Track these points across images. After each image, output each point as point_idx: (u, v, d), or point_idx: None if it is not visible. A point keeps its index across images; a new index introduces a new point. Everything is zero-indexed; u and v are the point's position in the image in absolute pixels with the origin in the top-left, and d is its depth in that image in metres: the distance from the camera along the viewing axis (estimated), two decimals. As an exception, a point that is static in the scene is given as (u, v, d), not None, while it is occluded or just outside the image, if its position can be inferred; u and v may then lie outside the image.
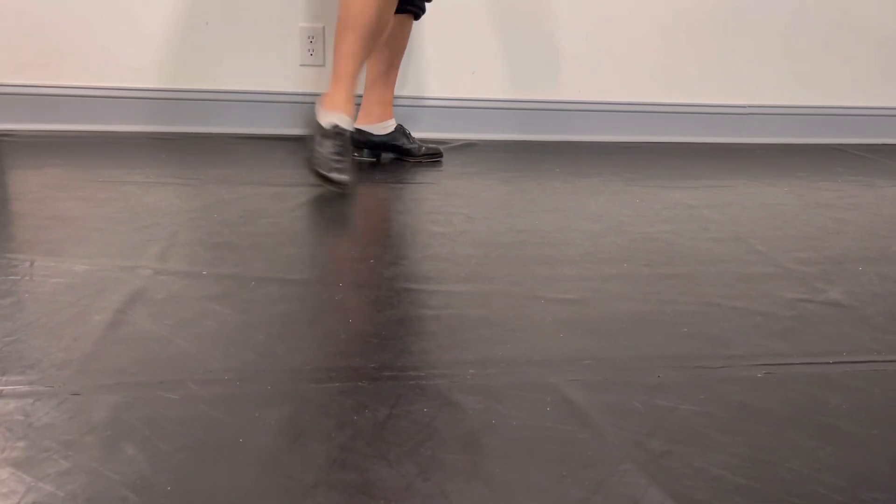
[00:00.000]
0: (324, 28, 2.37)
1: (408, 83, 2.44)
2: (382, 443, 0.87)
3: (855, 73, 2.70)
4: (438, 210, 1.74)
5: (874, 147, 2.69)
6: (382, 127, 2.11)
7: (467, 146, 2.41)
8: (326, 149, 1.76)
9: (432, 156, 2.18)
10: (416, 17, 2.06)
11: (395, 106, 2.24)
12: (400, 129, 2.14)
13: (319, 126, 1.77)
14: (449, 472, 0.83)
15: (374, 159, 2.14)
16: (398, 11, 2.00)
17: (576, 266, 1.44)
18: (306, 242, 1.48)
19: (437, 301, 1.25)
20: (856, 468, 0.87)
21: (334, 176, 1.75)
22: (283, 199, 1.74)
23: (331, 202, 1.75)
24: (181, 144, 2.23)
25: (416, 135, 2.23)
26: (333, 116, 1.78)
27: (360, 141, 2.11)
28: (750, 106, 2.65)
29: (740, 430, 0.93)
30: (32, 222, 1.52)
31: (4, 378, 0.96)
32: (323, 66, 2.39)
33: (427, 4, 2.06)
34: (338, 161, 1.76)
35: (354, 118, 1.88)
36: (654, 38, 2.54)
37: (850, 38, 2.66)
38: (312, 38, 2.37)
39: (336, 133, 1.77)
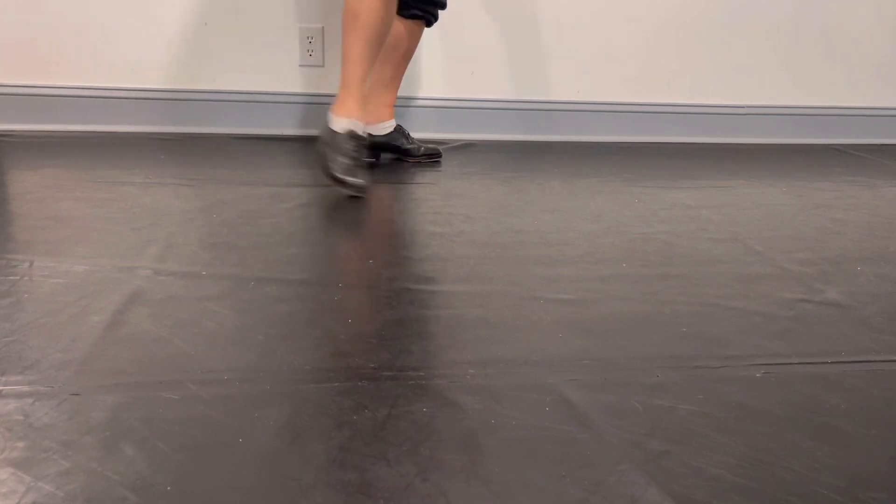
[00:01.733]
0: (322, 28, 2.37)
1: (407, 83, 2.44)
2: (381, 443, 0.87)
3: (853, 74, 2.70)
4: (437, 210, 1.74)
5: (873, 147, 2.69)
6: (382, 127, 2.11)
7: (466, 146, 2.41)
8: (342, 154, 1.77)
9: (431, 156, 2.18)
10: (429, 23, 2.06)
11: (394, 106, 2.24)
12: (399, 130, 2.14)
13: (333, 133, 1.78)
14: (448, 472, 0.83)
15: (374, 160, 2.14)
16: (410, 17, 2.00)
17: (574, 266, 1.44)
18: (305, 243, 1.48)
19: (435, 301, 1.25)
20: (854, 468, 0.87)
21: (351, 180, 1.76)
22: (283, 199, 1.74)
23: (330, 203, 1.75)
24: (180, 145, 2.23)
25: (415, 135, 2.23)
26: (347, 122, 1.80)
27: None
28: (748, 106, 2.65)
29: (739, 430, 0.93)
30: (31, 223, 1.52)
31: (4, 378, 0.96)
32: (322, 66, 2.39)
33: (440, 12, 2.06)
34: (354, 165, 1.78)
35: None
36: (652, 39, 2.54)
37: (848, 38, 2.66)
38: (311, 38, 2.37)
39: (351, 138, 1.79)
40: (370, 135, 2.10)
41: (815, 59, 2.66)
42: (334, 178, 1.76)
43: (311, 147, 2.25)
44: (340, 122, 1.79)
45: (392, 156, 2.16)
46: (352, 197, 1.77)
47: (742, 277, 1.42)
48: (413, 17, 2.01)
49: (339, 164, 1.76)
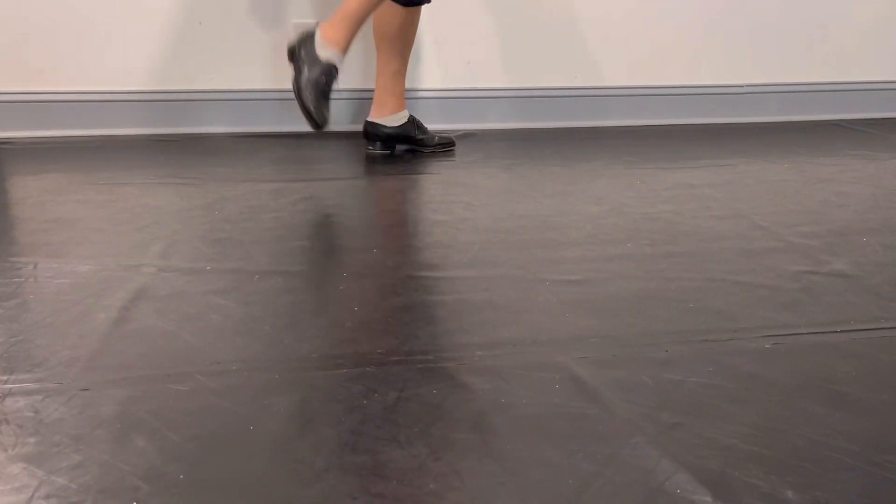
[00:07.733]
0: (318, 24, 2.36)
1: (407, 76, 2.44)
2: (392, 425, 0.87)
3: (851, 48, 2.69)
4: (439, 199, 1.73)
5: (874, 121, 2.68)
6: (395, 119, 2.11)
7: (466, 136, 2.40)
8: (316, 83, 1.77)
9: (445, 145, 2.19)
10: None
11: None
12: (412, 121, 2.14)
13: (316, 57, 1.78)
14: (460, 451, 0.83)
15: (388, 152, 2.14)
16: (409, 4, 1.98)
17: (579, 248, 1.44)
18: (309, 235, 1.48)
19: (441, 287, 1.25)
20: (867, 433, 0.87)
21: (315, 113, 1.78)
22: (284, 194, 1.74)
23: (332, 195, 1.75)
24: (179, 145, 2.23)
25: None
26: (330, 52, 1.79)
27: (374, 134, 2.11)
28: (747, 85, 2.64)
29: (750, 401, 0.93)
30: (34, 226, 1.52)
31: (13, 376, 0.96)
32: (318, 61, 2.39)
33: None
34: (324, 99, 1.78)
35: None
36: (649, 21, 2.53)
37: (846, 12, 2.65)
38: (306, 34, 2.36)
39: (329, 69, 1.78)
40: (384, 127, 2.10)
41: (812, 35, 2.65)
42: (302, 106, 1.76)
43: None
44: (326, 50, 1.77)
45: (406, 147, 2.16)
46: (314, 130, 1.80)
47: (747, 252, 1.42)
48: (417, 3, 2.00)
49: (309, 93, 1.76)
